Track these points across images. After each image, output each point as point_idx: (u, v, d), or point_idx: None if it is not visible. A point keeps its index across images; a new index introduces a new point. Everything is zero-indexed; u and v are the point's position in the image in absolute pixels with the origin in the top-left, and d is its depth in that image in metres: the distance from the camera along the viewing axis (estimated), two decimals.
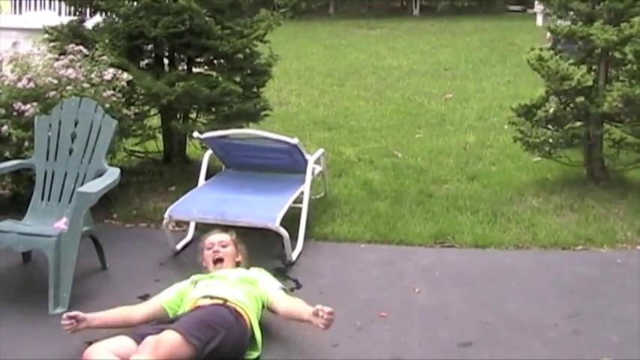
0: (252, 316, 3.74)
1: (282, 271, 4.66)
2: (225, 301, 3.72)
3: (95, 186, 4.37)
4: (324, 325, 3.63)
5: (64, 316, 3.79)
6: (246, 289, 3.88)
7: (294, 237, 4.89)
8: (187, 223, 5.27)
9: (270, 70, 6.67)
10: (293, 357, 3.72)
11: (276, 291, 4.00)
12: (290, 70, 12.19)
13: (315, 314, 3.66)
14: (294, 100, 10.32)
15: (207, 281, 3.95)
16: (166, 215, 4.92)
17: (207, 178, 5.44)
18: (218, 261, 4.15)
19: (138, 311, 3.94)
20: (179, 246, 5.04)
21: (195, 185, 5.38)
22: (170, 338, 3.35)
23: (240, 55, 6.43)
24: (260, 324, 3.80)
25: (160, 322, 3.70)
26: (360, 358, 3.72)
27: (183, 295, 3.93)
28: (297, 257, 4.88)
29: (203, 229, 4.80)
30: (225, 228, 4.51)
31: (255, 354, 3.70)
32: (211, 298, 3.75)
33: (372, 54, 14.59)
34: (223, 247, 4.20)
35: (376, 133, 8.34)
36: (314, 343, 3.84)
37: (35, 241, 4.24)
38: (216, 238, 4.26)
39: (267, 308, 3.94)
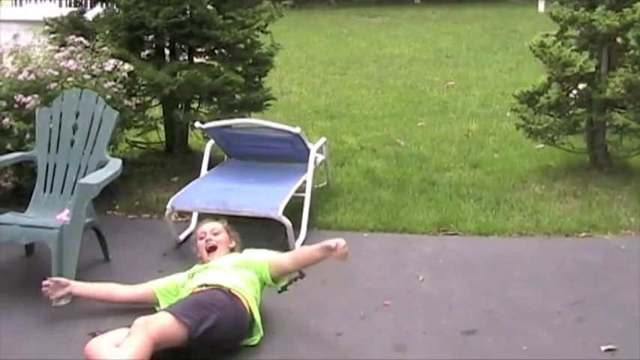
0: (250, 299, 3.74)
1: None
2: (220, 286, 3.73)
3: (97, 177, 4.36)
4: (343, 258, 3.73)
5: (45, 282, 3.94)
6: (242, 275, 3.88)
7: (296, 226, 4.87)
8: (190, 214, 5.26)
9: (271, 59, 6.65)
10: (296, 346, 3.72)
11: (274, 254, 4.02)
12: (291, 59, 12.15)
13: (329, 249, 3.73)
14: (296, 89, 10.29)
15: (202, 272, 3.96)
16: (169, 206, 4.92)
17: (209, 168, 5.44)
18: (212, 249, 4.15)
19: (125, 290, 4.05)
20: (182, 236, 5.04)
21: (198, 176, 5.37)
22: (160, 318, 3.41)
23: (242, 45, 6.41)
24: (260, 311, 3.79)
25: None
26: (364, 347, 3.72)
27: (179, 286, 3.95)
28: (300, 246, 4.88)
29: (206, 219, 4.80)
30: (217, 217, 4.51)
31: (257, 338, 3.72)
32: (206, 286, 3.76)
33: (373, 42, 14.53)
34: (215, 234, 4.20)
35: (378, 121, 8.32)
36: (317, 332, 3.84)
37: (38, 233, 4.25)
38: (207, 227, 4.26)
39: (273, 276, 3.93)
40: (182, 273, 4.06)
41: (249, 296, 3.76)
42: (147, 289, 4.03)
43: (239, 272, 3.89)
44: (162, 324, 3.36)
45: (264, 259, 3.98)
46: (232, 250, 4.22)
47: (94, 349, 3.34)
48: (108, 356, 3.24)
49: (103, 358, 3.26)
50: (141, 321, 3.35)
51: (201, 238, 4.20)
